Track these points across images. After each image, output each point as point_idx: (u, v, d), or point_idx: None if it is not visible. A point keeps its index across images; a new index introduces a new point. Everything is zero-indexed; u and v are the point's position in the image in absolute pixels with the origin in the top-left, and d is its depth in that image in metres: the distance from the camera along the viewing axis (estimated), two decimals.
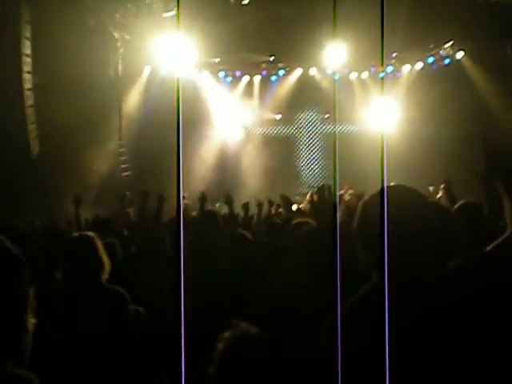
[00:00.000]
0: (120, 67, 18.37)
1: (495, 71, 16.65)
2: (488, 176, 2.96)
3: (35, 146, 15.29)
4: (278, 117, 21.71)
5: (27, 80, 15.05)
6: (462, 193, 6.88)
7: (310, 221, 5.27)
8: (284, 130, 22.05)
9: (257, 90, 21.32)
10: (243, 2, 15.95)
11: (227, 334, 2.42)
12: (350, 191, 14.85)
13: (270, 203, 10.85)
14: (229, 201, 8.18)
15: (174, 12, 16.35)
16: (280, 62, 20.65)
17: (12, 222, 7.25)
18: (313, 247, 4.05)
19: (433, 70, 20.27)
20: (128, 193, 14.21)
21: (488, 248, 2.52)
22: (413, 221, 2.28)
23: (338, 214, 3.56)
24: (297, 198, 16.23)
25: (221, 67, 20.34)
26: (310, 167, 21.82)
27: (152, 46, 17.22)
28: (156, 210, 7.60)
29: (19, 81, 14.71)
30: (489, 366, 2.15)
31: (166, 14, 16.34)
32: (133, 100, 19.29)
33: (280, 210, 10.94)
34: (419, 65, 20.44)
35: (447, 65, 19.88)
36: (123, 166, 18.68)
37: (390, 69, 20.75)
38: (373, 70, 20.84)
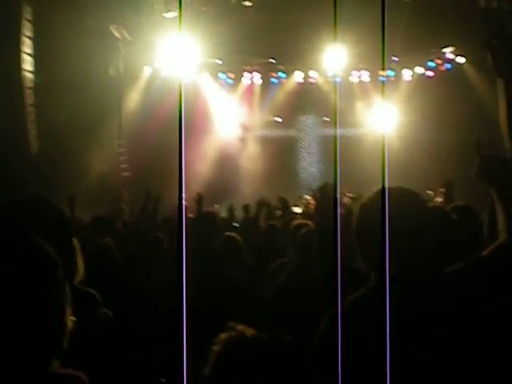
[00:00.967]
0: (121, 67, 18.37)
1: (495, 77, 16.64)
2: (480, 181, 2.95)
3: (35, 145, 15.28)
4: (278, 119, 21.70)
5: (28, 79, 15.05)
6: (461, 197, 6.88)
7: (310, 223, 5.28)
8: (284, 133, 22.04)
9: (257, 92, 21.31)
10: (244, 4, 15.95)
11: (223, 336, 2.41)
12: (349, 194, 14.85)
13: (269, 205, 10.86)
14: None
15: (175, 13, 16.37)
16: (280, 65, 20.65)
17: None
18: (312, 249, 4.06)
19: (433, 75, 20.29)
20: (124, 191, 14.24)
21: (483, 254, 2.52)
22: (412, 222, 2.28)
23: (339, 217, 3.55)
24: (296, 200, 16.22)
25: (221, 69, 20.34)
26: (310, 170, 21.81)
27: (153, 46, 17.23)
28: (152, 210, 7.58)
29: (20, 79, 14.71)
30: (482, 368, 2.15)
31: (167, 15, 16.34)
32: (133, 100, 19.30)
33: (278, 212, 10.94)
34: (420, 69, 20.45)
35: (448, 70, 19.89)
36: (122, 166, 18.68)
37: (390, 73, 20.75)
38: (374, 73, 20.84)
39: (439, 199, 10.83)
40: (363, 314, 2.24)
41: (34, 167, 14.91)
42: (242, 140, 20.63)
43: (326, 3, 15.98)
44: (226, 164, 19.97)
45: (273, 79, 21.14)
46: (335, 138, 20.93)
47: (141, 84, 19.60)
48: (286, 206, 9.74)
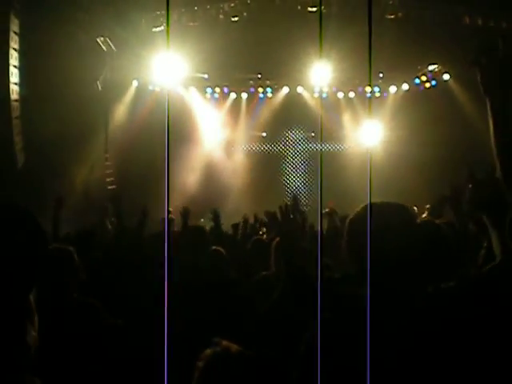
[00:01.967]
0: (108, 80, 18.36)
1: (480, 93, 16.77)
2: (473, 208, 2.98)
3: (20, 158, 15.22)
4: (264, 134, 21.75)
5: (14, 91, 15.01)
6: (446, 214, 6.92)
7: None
8: (270, 148, 22.10)
9: (244, 107, 21.37)
10: (232, 20, 16.04)
11: (208, 352, 2.41)
12: (327, 210, 14.85)
13: (256, 220, 10.86)
14: (215, 217, 8.12)
15: (162, 27, 16.42)
16: (267, 80, 20.74)
17: None
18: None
19: (419, 91, 20.44)
20: (109, 204, 14.17)
21: (478, 273, 2.54)
22: (403, 236, 2.29)
23: (321, 231, 3.58)
24: None
25: (208, 83, 20.39)
26: (295, 185, 21.86)
27: (140, 60, 17.26)
28: (138, 224, 7.52)
29: (6, 92, 14.66)
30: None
31: (154, 29, 16.39)
32: (120, 113, 19.28)
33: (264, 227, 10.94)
34: (405, 86, 20.59)
35: (433, 86, 20.04)
36: (108, 179, 18.63)
37: (376, 89, 20.90)
38: (359, 89, 20.97)
39: (424, 215, 10.86)
40: (352, 326, 2.25)
41: (19, 180, 14.84)
42: (228, 154, 20.65)
43: (312, 20, 16.15)
44: (211, 178, 19.96)
45: (259, 94, 21.20)
46: (320, 153, 21.05)
47: (128, 97, 19.60)
48: (272, 220, 9.72)
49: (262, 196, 18.97)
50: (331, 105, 21.08)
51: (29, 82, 15.21)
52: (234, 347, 2.37)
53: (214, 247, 5.81)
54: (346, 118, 21.23)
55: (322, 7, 15.73)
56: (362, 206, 2.43)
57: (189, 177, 19.29)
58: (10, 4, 14.36)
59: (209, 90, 20.68)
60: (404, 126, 19.38)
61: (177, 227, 9.33)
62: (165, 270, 2.21)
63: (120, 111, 19.32)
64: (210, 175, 19.98)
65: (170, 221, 15.61)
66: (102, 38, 17.12)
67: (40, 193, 13.93)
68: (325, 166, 21.18)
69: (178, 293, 4.75)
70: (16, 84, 15.11)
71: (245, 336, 3.11)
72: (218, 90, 20.76)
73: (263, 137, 21.87)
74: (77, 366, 3.76)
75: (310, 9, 15.88)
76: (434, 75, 19.85)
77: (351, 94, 21.05)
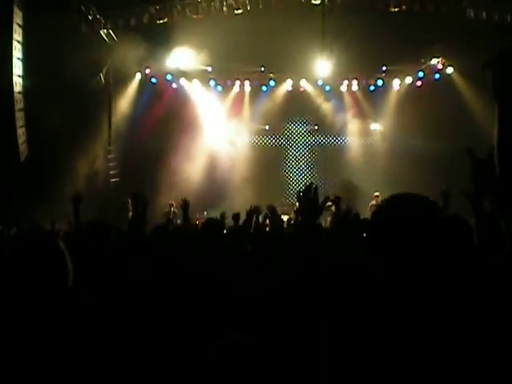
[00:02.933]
0: (110, 73, 18.36)
1: (484, 86, 16.75)
2: (476, 192, 2.97)
3: (24, 150, 15.23)
4: (267, 127, 21.72)
5: (17, 83, 15.01)
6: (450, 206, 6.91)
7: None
8: (273, 140, 22.08)
9: (247, 99, 21.33)
10: (236, 12, 16.01)
11: (218, 342, 2.41)
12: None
13: (258, 213, 10.84)
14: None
15: (165, 20, 16.41)
16: (271, 73, 20.69)
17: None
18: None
19: (422, 84, 20.39)
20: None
21: (494, 264, 2.52)
22: (428, 230, 2.26)
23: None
24: (284, 208, 16.23)
25: (211, 76, 20.36)
26: (298, 177, 21.84)
27: (144, 52, 17.24)
28: (140, 216, 7.51)
29: (10, 84, 14.66)
30: None
31: (158, 22, 16.38)
32: (123, 106, 19.28)
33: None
34: (409, 79, 20.54)
35: (437, 79, 20.00)
36: (112, 172, 18.65)
37: (379, 82, 20.85)
38: (363, 82, 20.93)
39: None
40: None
41: (22, 172, 14.87)
42: (231, 147, 20.62)
43: (315, 13, 16.14)
44: (214, 171, 19.95)
45: (263, 87, 21.17)
46: (324, 146, 21.04)
47: (131, 90, 19.60)
48: (275, 213, 9.70)
49: (263, 188, 18.97)
50: (335, 97, 21.05)
51: (32, 75, 15.21)
52: (245, 338, 2.38)
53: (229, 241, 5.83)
54: (349, 111, 21.18)
55: (326, 0, 15.70)
56: (385, 197, 2.41)
57: (191, 169, 19.28)
58: None
59: (212, 82, 20.64)
60: (408, 119, 19.34)
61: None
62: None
63: (123, 103, 19.32)
64: (213, 168, 19.96)
65: (173, 214, 15.71)
66: (105, 31, 17.11)
67: (43, 186, 13.96)
68: (327, 159, 21.20)
69: (184, 286, 4.77)
70: (19, 76, 15.12)
71: (252, 327, 3.11)
72: (221, 82, 20.73)
73: (266, 129, 21.84)
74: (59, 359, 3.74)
75: (313, 1, 15.85)
76: (438, 68, 19.79)
77: (354, 87, 21.00)
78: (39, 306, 3.85)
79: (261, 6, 16.14)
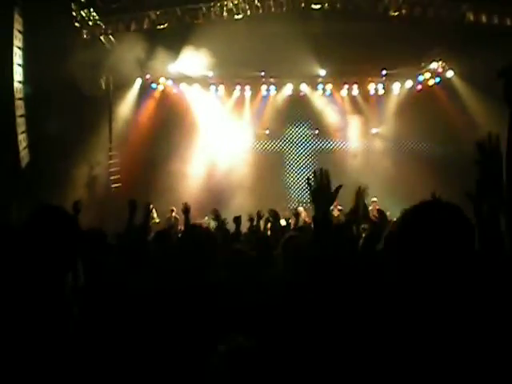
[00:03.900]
0: (111, 78, 18.39)
1: (484, 90, 16.78)
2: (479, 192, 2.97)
3: (25, 156, 15.23)
4: (267, 132, 21.73)
5: (18, 89, 15.02)
6: None
7: (300, 235, 5.26)
8: (274, 145, 22.08)
9: (247, 104, 21.35)
10: (236, 17, 16.03)
11: (223, 347, 2.41)
12: (339, 207, 14.85)
13: (259, 217, 10.85)
14: (217, 215, 8.07)
15: (166, 25, 16.42)
16: (271, 77, 20.73)
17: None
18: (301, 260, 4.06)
19: (423, 88, 20.41)
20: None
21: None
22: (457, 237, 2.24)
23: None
24: (286, 212, 16.22)
25: (212, 81, 20.39)
26: (299, 182, 21.83)
27: (144, 57, 17.26)
28: (143, 222, 7.52)
29: (10, 90, 14.67)
30: None
31: (158, 27, 16.39)
32: (123, 111, 19.30)
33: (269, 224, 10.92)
34: (409, 83, 20.56)
35: (437, 83, 20.01)
36: (113, 177, 18.66)
37: (380, 86, 20.87)
38: (363, 86, 20.95)
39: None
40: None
41: (23, 178, 14.87)
42: (232, 152, 20.63)
43: (315, 17, 16.16)
44: (215, 176, 19.95)
45: (263, 92, 21.19)
46: (324, 150, 21.05)
47: (131, 95, 19.62)
48: (276, 218, 9.71)
49: (265, 193, 18.98)
50: (335, 102, 21.08)
51: (33, 81, 15.22)
52: (249, 343, 2.38)
53: (237, 246, 5.82)
54: (350, 115, 21.19)
55: (326, 4, 15.70)
56: (409, 207, 2.40)
57: (192, 175, 19.30)
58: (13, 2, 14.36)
59: (212, 87, 20.66)
60: (408, 123, 19.36)
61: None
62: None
63: (124, 109, 19.34)
64: (213, 173, 19.97)
65: (175, 219, 15.72)
66: (105, 36, 17.13)
67: (44, 192, 13.96)
68: (328, 163, 21.21)
69: (186, 291, 4.76)
70: (20, 82, 15.12)
71: (254, 331, 3.11)
72: (221, 87, 20.74)
73: (266, 134, 21.86)
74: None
75: (313, 6, 15.86)
76: (438, 72, 19.81)
77: (355, 91, 21.02)
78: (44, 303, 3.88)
79: (261, 11, 16.15)
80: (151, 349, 4.04)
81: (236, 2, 16.01)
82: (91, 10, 16.07)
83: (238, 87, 21.02)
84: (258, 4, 16.05)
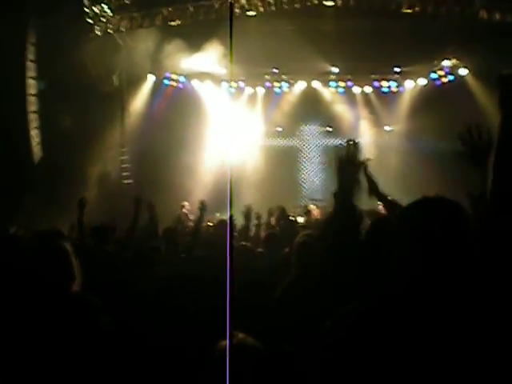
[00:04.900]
0: (124, 75, 18.40)
1: (498, 88, 16.65)
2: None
3: (37, 152, 15.30)
4: (280, 129, 21.73)
5: (31, 85, 15.08)
6: None
7: (313, 233, 5.23)
8: (286, 143, 22.08)
9: (260, 101, 21.35)
10: (248, 14, 16.00)
11: (223, 343, 2.41)
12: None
13: (270, 214, 10.85)
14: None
15: (178, 21, 16.43)
16: (283, 75, 20.71)
17: (10, 229, 7.23)
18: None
19: (436, 86, 20.31)
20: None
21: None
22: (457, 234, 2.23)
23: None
24: (297, 210, 16.20)
25: (225, 78, 20.38)
26: (311, 179, 21.81)
27: (157, 54, 17.27)
28: (149, 218, 7.56)
29: (23, 86, 14.73)
30: None
31: (170, 23, 16.39)
32: (136, 107, 19.33)
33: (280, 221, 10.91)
34: (422, 81, 20.47)
35: (451, 81, 19.91)
36: (125, 173, 18.69)
37: (393, 84, 20.81)
38: (376, 84, 20.88)
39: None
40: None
41: (36, 174, 14.93)
42: (244, 149, 20.62)
43: (328, 14, 16.11)
44: (227, 173, 19.91)
45: (276, 89, 21.17)
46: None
47: (144, 92, 19.65)
48: (285, 215, 9.71)
49: (277, 190, 18.97)
50: (348, 99, 21.02)
51: (45, 77, 15.27)
52: (250, 340, 2.37)
53: (242, 243, 5.83)
54: (362, 112, 21.14)
55: (339, 1, 15.65)
56: (414, 200, 2.39)
57: (204, 171, 19.32)
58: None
59: (224, 83, 20.66)
60: (420, 121, 19.27)
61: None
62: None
63: (136, 106, 19.37)
64: (224, 170, 19.95)
65: (185, 215, 15.72)
66: (118, 33, 17.14)
67: (56, 187, 14.02)
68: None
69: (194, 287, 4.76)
70: (33, 78, 15.18)
71: (260, 330, 3.10)
72: (233, 84, 20.73)
73: (279, 131, 21.85)
74: (64, 362, 3.72)
75: (326, 3, 15.80)
76: (452, 70, 19.71)
77: (367, 89, 20.96)
78: (44, 309, 3.87)
79: (273, 8, 16.11)
80: (154, 345, 4.06)
81: None
82: (104, 6, 16.08)
83: (251, 84, 21.02)
84: (271, 1, 16.00)
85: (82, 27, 15.62)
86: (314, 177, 21.90)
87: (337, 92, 20.98)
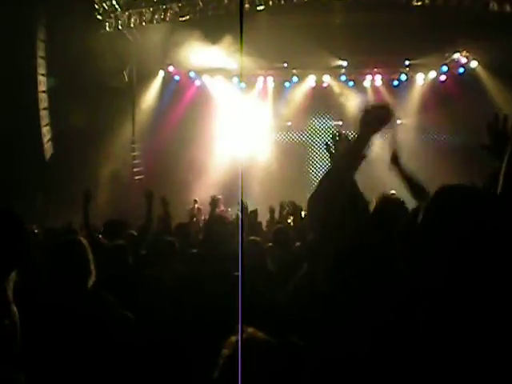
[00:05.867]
0: (134, 71, 18.44)
1: (509, 80, 16.59)
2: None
3: (48, 149, 15.36)
4: (289, 123, 21.71)
5: (42, 82, 15.13)
6: None
7: None
8: (297, 137, 22.06)
9: (270, 96, 21.33)
10: (258, 8, 15.98)
11: (233, 339, 2.41)
12: None
13: (282, 209, 10.83)
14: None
15: (188, 17, 16.43)
16: (293, 69, 20.67)
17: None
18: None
19: (447, 79, 20.23)
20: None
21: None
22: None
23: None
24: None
25: (235, 73, 20.36)
26: (322, 173, 21.80)
27: (167, 50, 17.29)
28: (163, 214, 7.57)
29: (34, 83, 14.78)
30: None
31: (180, 19, 16.40)
32: (146, 103, 19.36)
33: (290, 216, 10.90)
34: (433, 73, 20.39)
35: (461, 74, 19.82)
36: (136, 169, 18.74)
37: (403, 77, 20.74)
38: (386, 77, 20.82)
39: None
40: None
41: (47, 170, 14.98)
42: (255, 144, 20.61)
43: (338, 8, 16.07)
44: (237, 167, 19.93)
45: (286, 83, 21.15)
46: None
47: (154, 88, 19.68)
48: (297, 210, 9.69)
49: (288, 184, 18.95)
50: (358, 93, 20.95)
51: (56, 74, 15.31)
52: (260, 334, 2.37)
53: (251, 237, 5.82)
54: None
55: None
56: (436, 189, 2.38)
57: (216, 166, 19.32)
58: None
59: (235, 78, 20.64)
60: (431, 114, 19.22)
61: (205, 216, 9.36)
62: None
63: (146, 101, 19.41)
64: (235, 165, 19.96)
65: (197, 210, 15.76)
66: (128, 28, 17.16)
67: (68, 184, 14.06)
68: None
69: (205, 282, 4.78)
70: (43, 75, 15.22)
71: (271, 325, 3.11)
72: (244, 78, 20.70)
73: (288, 125, 21.83)
74: (85, 358, 3.75)
75: None
76: (462, 63, 19.62)
77: (378, 82, 20.91)
78: (65, 305, 3.90)
79: (283, 2, 16.08)
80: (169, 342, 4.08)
81: None
82: (113, 2, 16.10)
83: (261, 78, 21.00)
84: None
85: (92, 24, 15.64)
86: (325, 170, 21.87)
87: (347, 86, 20.92)
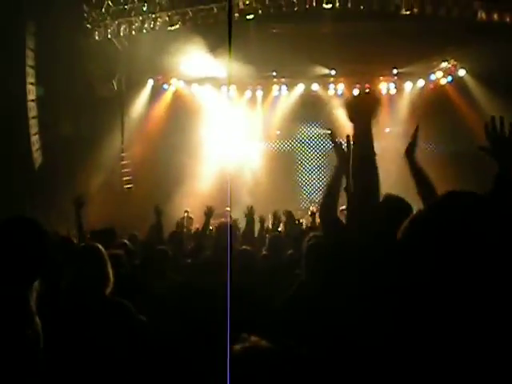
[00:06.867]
0: (123, 80, 18.41)
1: (496, 88, 16.70)
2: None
3: (37, 158, 15.30)
4: (278, 132, 21.74)
5: (30, 91, 15.09)
6: None
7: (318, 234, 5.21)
8: (286, 145, 22.09)
9: (259, 104, 21.36)
10: (247, 17, 16.00)
11: (236, 348, 2.40)
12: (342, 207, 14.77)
13: (275, 217, 10.83)
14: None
15: (177, 26, 16.44)
16: (282, 78, 20.73)
17: None
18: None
19: (435, 87, 20.33)
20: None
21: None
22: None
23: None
24: (298, 212, 16.21)
25: (223, 81, 20.39)
26: (311, 182, 21.81)
27: (156, 59, 17.29)
28: (156, 223, 7.57)
29: (23, 92, 14.73)
30: None
31: (170, 28, 16.40)
32: (135, 112, 19.34)
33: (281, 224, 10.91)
34: (421, 82, 20.49)
35: (449, 82, 19.93)
36: (125, 178, 18.69)
37: (391, 85, 20.82)
38: (374, 86, 20.90)
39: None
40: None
41: (36, 180, 14.93)
42: (243, 152, 20.62)
43: (327, 17, 16.12)
44: (226, 176, 19.93)
45: (275, 92, 21.19)
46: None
47: (143, 96, 19.66)
48: (291, 218, 9.71)
49: (277, 193, 18.97)
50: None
51: (45, 83, 15.28)
52: (263, 343, 2.36)
53: (243, 247, 5.83)
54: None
55: (338, 4, 15.64)
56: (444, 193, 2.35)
57: (205, 176, 19.31)
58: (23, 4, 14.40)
59: (224, 87, 20.67)
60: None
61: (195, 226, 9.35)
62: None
63: (136, 110, 19.38)
64: (225, 174, 19.95)
65: (188, 220, 15.73)
66: (117, 37, 17.15)
67: (57, 193, 14.01)
68: None
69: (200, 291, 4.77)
70: (32, 84, 15.19)
71: (270, 332, 3.11)
72: (232, 88, 20.74)
73: (278, 134, 21.86)
74: (103, 363, 3.77)
75: (325, 5, 15.80)
76: (450, 71, 19.74)
77: (366, 91, 20.97)
78: (86, 313, 3.90)
79: (272, 11, 16.11)
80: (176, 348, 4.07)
81: (247, 2, 15.97)
82: (103, 11, 16.09)
83: (250, 87, 21.04)
84: (270, 4, 16.00)
85: (81, 32, 15.62)
86: (314, 179, 21.89)
87: (336, 94, 20.98)
